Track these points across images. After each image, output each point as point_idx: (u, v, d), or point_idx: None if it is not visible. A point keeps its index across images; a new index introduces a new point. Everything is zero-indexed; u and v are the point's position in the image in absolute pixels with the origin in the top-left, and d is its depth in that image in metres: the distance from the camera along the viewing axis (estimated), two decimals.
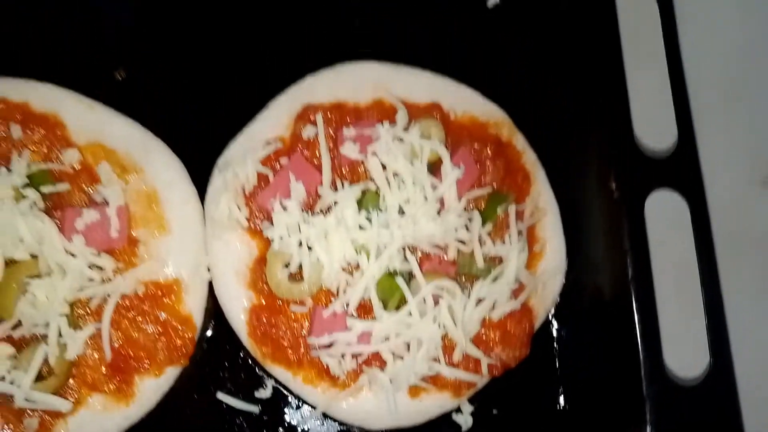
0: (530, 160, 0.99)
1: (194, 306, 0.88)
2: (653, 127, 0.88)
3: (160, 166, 0.92)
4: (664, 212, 0.87)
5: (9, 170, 0.85)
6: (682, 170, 0.88)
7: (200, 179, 0.94)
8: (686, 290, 0.86)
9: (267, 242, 0.90)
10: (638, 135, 0.89)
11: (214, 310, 0.90)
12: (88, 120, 0.92)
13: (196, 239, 0.91)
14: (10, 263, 0.82)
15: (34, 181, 0.85)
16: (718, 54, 0.95)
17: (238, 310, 0.90)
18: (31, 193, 0.83)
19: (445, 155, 0.92)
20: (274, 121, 0.96)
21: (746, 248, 0.89)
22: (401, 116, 0.93)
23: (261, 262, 0.91)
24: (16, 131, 0.88)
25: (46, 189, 0.85)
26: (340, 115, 0.95)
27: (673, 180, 0.87)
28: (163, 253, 0.89)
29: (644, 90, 0.90)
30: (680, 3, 0.94)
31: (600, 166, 0.91)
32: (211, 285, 0.91)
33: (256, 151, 0.93)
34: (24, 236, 0.81)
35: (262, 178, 0.91)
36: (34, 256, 0.83)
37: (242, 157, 0.92)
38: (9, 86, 0.92)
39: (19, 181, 0.84)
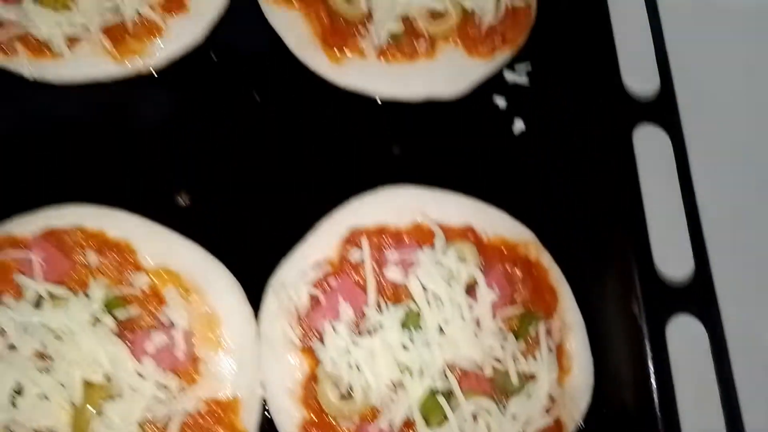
0: (556, 277, 1.06)
1: (250, 422, 0.94)
2: (671, 256, 0.96)
3: (221, 288, 0.99)
4: (685, 335, 0.94)
5: (87, 296, 0.93)
6: (699, 297, 0.95)
7: (254, 297, 1.01)
8: (707, 407, 0.93)
9: (318, 360, 0.97)
10: (657, 263, 0.96)
11: (267, 426, 0.96)
12: (156, 245, 0.99)
13: (252, 358, 0.97)
14: (86, 386, 0.88)
15: (108, 305, 0.93)
16: (731, 185, 1.04)
17: (290, 425, 0.95)
18: (107, 319, 0.91)
19: (480, 279, 0.99)
20: (322, 243, 1.04)
21: (763, 368, 0.95)
22: (439, 241, 1.01)
23: (312, 379, 0.96)
24: (93, 258, 0.96)
25: (120, 314, 0.92)
26: (383, 238, 1.04)
27: (691, 306, 0.95)
28: (222, 371, 0.94)
29: (662, 221, 0.98)
30: (690, 137, 1.04)
31: (622, 290, 0.98)
32: (264, 400, 0.97)
33: (307, 273, 1.01)
34: (101, 360, 0.89)
35: (313, 299, 0.99)
36: (107, 379, 0.90)
37: (294, 280, 1.00)
38: (85, 214, 1.00)
39: (97, 307, 0.91)
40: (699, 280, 0.95)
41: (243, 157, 1.11)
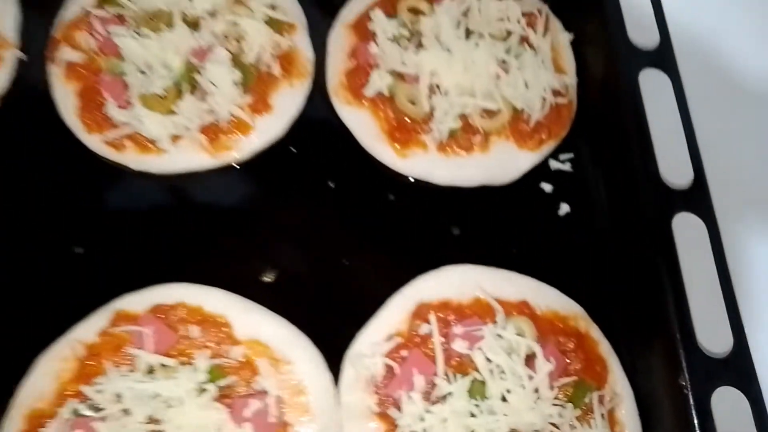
0: (605, 349, 1.15)
1: None
2: (712, 333, 1.04)
3: (305, 358, 1.09)
4: (729, 406, 1.01)
5: (193, 366, 1.03)
6: (740, 370, 1.02)
7: (333, 366, 1.11)
8: None
9: (394, 425, 1.05)
10: (699, 339, 1.04)
11: None
12: (247, 319, 1.10)
13: (334, 423, 1.06)
14: None
15: (211, 375, 1.03)
16: (763, 264, 1.13)
17: None
18: (211, 387, 1.01)
19: (538, 351, 1.08)
20: (392, 318, 1.14)
21: None
22: (500, 317, 1.11)
23: None
24: (195, 331, 1.07)
25: (222, 382, 1.02)
26: (447, 312, 1.14)
27: (732, 378, 1.02)
28: None
29: (701, 299, 1.07)
30: (724, 224, 1.14)
31: (667, 362, 1.06)
32: None
33: (380, 345, 1.11)
34: (206, 425, 0.98)
35: (387, 369, 1.08)
36: None
37: (369, 351, 1.10)
38: (186, 291, 1.12)
39: (203, 376, 1.01)
40: (738, 353, 1.03)
41: (320, 239, 1.22)
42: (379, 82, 1.26)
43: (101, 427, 0.98)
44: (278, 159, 1.28)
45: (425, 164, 1.26)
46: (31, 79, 1.30)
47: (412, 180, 1.27)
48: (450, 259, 1.20)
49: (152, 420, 1.00)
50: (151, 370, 1.03)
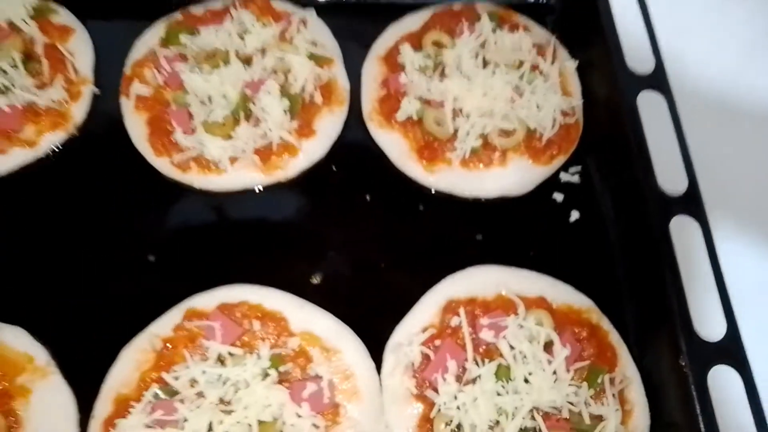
0: (615, 338, 1.27)
1: None
2: (707, 320, 1.17)
3: (351, 348, 1.23)
4: (723, 382, 1.14)
5: (257, 355, 1.17)
6: (732, 351, 1.15)
7: (375, 355, 1.25)
8: None
9: (430, 405, 1.19)
10: (695, 326, 1.17)
11: None
12: (301, 315, 1.24)
13: (378, 404, 1.19)
14: (260, 424, 1.12)
15: (272, 362, 1.17)
16: (755, 260, 1.26)
17: None
18: (273, 372, 1.15)
19: (555, 338, 1.21)
20: (426, 312, 1.28)
21: None
22: (521, 310, 1.25)
23: (425, 420, 1.18)
24: (256, 325, 1.22)
25: (281, 369, 1.16)
26: (474, 306, 1.27)
27: (725, 358, 1.15)
28: (356, 415, 1.17)
29: (697, 291, 1.20)
30: (716, 224, 1.27)
31: (669, 348, 1.19)
32: None
33: (417, 335, 1.25)
34: (271, 404, 1.12)
35: (423, 356, 1.22)
36: (275, 419, 1.13)
37: (407, 342, 1.24)
38: (248, 292, 1.26)
39: (266, 363, 1.16)
40: (731, 337, 1.16)
41: (359, 245, 1.36)
42: (409, 107, 1.42)
43: (180, 407, 1.12)
44: (321, 176, 1.43)
45: (450, 178, 1.41)
46: (105, 111, 1.48)
47: (439, 192, 1.42)
48: (474, 261, 1.33)
49: (223, 401, 1.14)
50: (220, 359, 1.18)
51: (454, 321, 1.25)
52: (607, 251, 1.37)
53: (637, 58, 1.44)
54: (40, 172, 1.40)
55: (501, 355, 1.20)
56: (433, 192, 1.42)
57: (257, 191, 1.40)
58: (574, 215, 1.40)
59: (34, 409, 1.15)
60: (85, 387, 1.19)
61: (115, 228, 1.36)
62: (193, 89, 1.39)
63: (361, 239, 1.38)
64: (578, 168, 1.44)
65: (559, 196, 1.42)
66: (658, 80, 1.41)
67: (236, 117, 1.37)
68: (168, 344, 1.19)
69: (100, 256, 1.33)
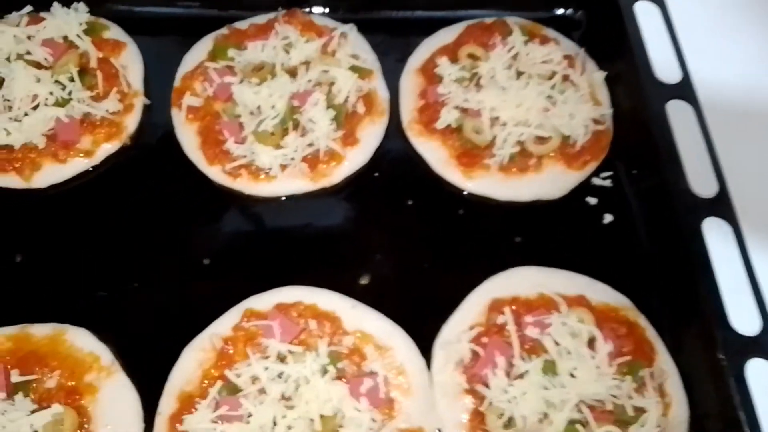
0: (652, 335, 1.31)
1: None
2: (742, 317, 1.21)
3: (402, 346, 1.26)
4: (760, 376, 1.17)
5: (316, 353, 1.20)
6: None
7: (422, 352, 1.28)
8: None
9: (480, 398, 1.22)
10: (731, 320, 1.21)
11: None
12: (353, 315, 1.27)
13: (429, 399, 1.22)
14: (322, 418, 1.14)
15: (330, 359, 1.20)
16: None
17: None
18: (332, 369, 1.18)
19: (597, 335, 1.25)
20: (472, 311, 1.31)
21: None
22: (563, 308, 1.28)
23: (476, 413, 1.21)
24: (313, 324, 1.24)
25: (340, 365, 1.20)
26: (518, 305, 1.31)
27: (762, 351, 1.19)
28: (410, 409, 1.20)
29: (732, 288, 1.24)
30: (747, 226, 1.31)
31: (706, 343, 1.22)
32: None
33: (465, 333, 1.27)
34: (331, 399, 1.15)
35: (473, 353, 1.25)
36: (335, 413, 1.15)
37: (456, 339, 1.27)
38: (302, 292, 1.29)
39: (325, 360, 1.18)
40: (766, 330, 1.20)
41: (403, 248, 1.40)
42: (449, 117, 1.46)
43: (245, 402, 1.15)
44: (364, 183, 1.47)
45: (489, 184, 1.45)
46: (156, 121, 1.52)
47: (478, 196, 1.45)
48: (514, 263, 1.37)
49: (285, 397, 1.17)
50: (279, 357, 1.21)
51: (500, 319, 1.28)
52: (640, 251, 1.41)
53: (664, 67, 1.49)
54: (97, 180, 1.44)
55: (546, 351, 1.24)
56: (471, 197, 1.45)
57: (303, 197, 1.44)
58: (608, 218, 1.43)
59: (102, 406, 1.18)
60: (148, 385, 1.22)
61: (170, 233, 1.39)
62: (243, 101, 1.43)
63: (404, 242, 1.41)
64: (609, 173, 1.48)
65: (592, 200, 1.45)
66: (685, 89, 1.46)
67: (284, 127, 1.42)
68: (228, 343, 1.23)
69: (157, 260, 1.36)
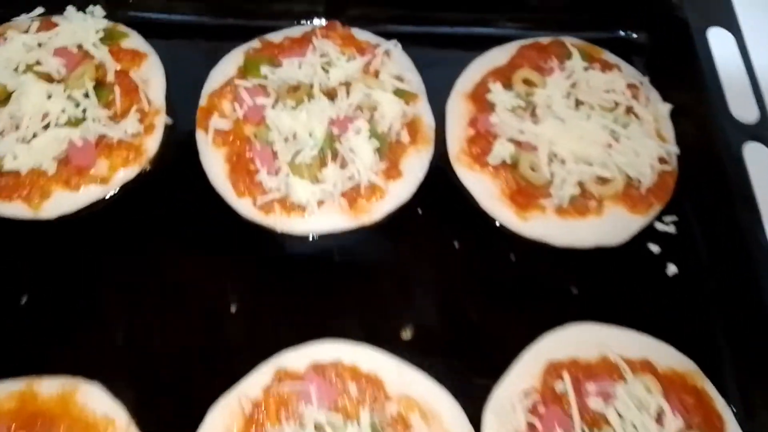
0: (721, 405, 1.18)
1: None
2: None
3: (450, 412, 1.12)
4: None
5: (357, 423, 1.07)
6: None
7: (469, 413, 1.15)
8: None
9: None
10: None
11: None
12: (397, 377, 1.13)
13: None
14: None
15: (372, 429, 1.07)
16: None
17: None
18: None
19: (666, 408, 1.12)
20: (526, 374, 1.17)
21: None
22: (629, 377, 1.15)
23: None
24: (353, 388, 1.11)
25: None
26: (577, 370, 1.18)
27: None
28: None
29: None
30: None
31: None
32: None
33: (521, 401, 1.14)
34: None
35: (528, 425, 1.12)
36: None
37: (510, 406, 1.14)
38: (341, 349, 1.15)
39: (369, 421, 1.06)
40: None
41: (449, 296, 1.26)
42: (503, 151, 1.31)
43: None
44: (406, 219, 1.32)
45: (544, 226, 1.30)
46: (178, 143, 1.36)
47: (531, 240, 1.31)
48: (570, 315, 1.23)
49: None
50: (317, 425, 1.08)
51: (558, 386, 1.15)
52: (706, 309, 1.27)
53: (738, 104, 1.35)
54: (113, 210, 1.28)
55: (607, 422, 1.12)
56: (524, 240, 1.30)
57: (340, 235, 1.29)
58: (672, 269, 1.30)
59: None
60: None
61: (193, 273, 1.25)
62: (279, 126, 1.27)
63: (449, 288, 1.27)
64: (674, 218, 1.34)
65: (655, 248, 1.31)
66: (763, 130, 1.32)
67: (323, 157, 1.27)
68: (259, 407, 1.09)
69: (177, 304, 1.22)
